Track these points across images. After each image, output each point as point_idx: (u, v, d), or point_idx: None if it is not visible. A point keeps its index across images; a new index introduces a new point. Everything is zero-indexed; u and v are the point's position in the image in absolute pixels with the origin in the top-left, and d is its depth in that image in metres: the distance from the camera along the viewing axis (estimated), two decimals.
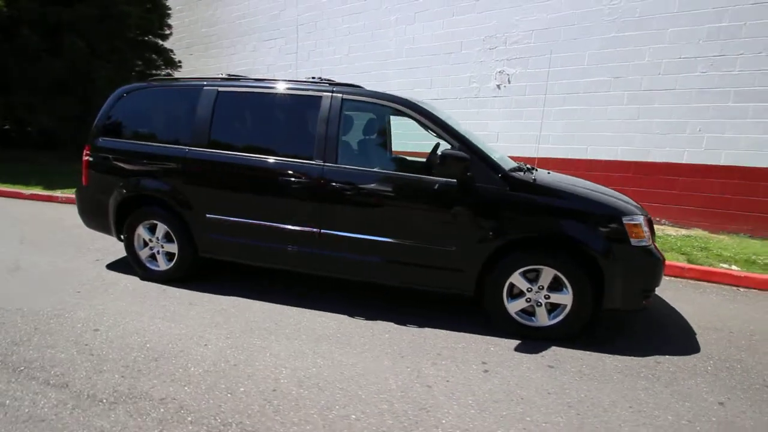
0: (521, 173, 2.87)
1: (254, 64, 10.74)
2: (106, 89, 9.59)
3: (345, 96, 3.03)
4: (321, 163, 2.98)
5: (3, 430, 1.84)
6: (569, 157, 6.49)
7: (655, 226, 3.70)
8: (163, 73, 11.04)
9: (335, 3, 8.92)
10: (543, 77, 6.63)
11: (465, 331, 2.92)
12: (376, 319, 3.05)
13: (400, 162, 3.76)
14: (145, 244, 3.55)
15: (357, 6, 8.63)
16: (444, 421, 2.01)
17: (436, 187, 2.80)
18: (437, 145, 4.05)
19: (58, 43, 8.18)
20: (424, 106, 3.02)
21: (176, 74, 11.29)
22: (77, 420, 1.92)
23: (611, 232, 2.65)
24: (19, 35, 8.15)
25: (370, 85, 3.43)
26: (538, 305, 2.80)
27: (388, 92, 3.08)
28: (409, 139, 5.97)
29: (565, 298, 2.74)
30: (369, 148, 3.52)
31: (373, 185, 2.93)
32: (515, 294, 2.85)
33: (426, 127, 2.95)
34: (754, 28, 5.15)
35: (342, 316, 3.09)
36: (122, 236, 3.61)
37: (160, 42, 10.48)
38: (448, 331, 2.91)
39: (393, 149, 4.70)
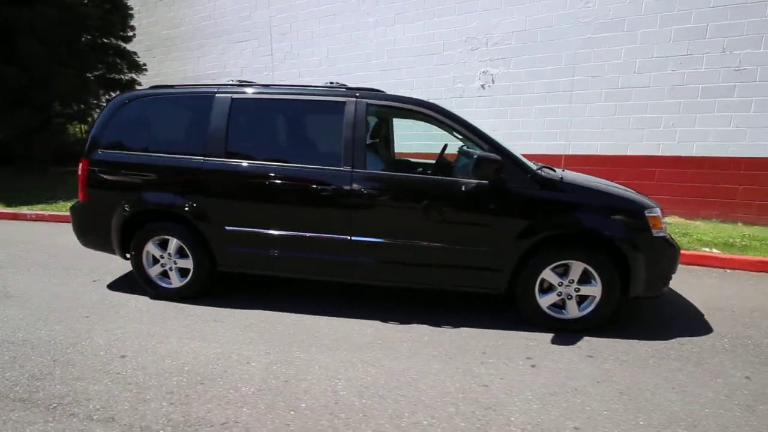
0: (548, 172, 2.97)
1: (225, 67, 10.39)
2: (66, 96, 8.98)
3: (370, 101, 3.00)
4: (349, 169, 2.95)
5: None
6: (552, 153, 6.76)
7: None
8: (126, 77, 10.44)
9: (310, 4, 8.80)
10: (525, 77, 6.88)
11: (498, 328, 2.99)
12: (409, 323, 3.06)
13: (411, 165, 3.79)
14: (155, 261, 3.36)
15: (333, 8, 8.55)
16: (513, 419, 2.06)
17: (469, 189, 2.85)
18: (445, 147, 4.12)
19: (12, 48, 7.50)
20: (450, 110, 3.05)
21: (141, 78, 10.71)
22: None
23: (635, 224, 2.81)
24: None
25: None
26: (569, 298, 2.91)
27: (411, 96, 3.09)
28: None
29: (594, 290, 2.87)
30: (387, 152, 3.52)
31: (404, 189, 2.93)
32: (545, 289, 2.95)
33: (453, 130, 2.99)
34: (716, 30, 5.61)
35: (374, 322, 3.07)
36: (128, 254, 3.40)
37: (123, 44, 9.87)
38: (482, 330, 2.97)
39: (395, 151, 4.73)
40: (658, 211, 2.92)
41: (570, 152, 6.71)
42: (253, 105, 3.16)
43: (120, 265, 4.10)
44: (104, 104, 11.02)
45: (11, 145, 8.77)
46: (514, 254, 2.85)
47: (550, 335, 2.90)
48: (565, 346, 2.77)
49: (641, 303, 3.41)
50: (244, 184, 3.09)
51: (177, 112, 3.29)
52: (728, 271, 4.37)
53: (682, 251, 4.71)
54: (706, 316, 3.26)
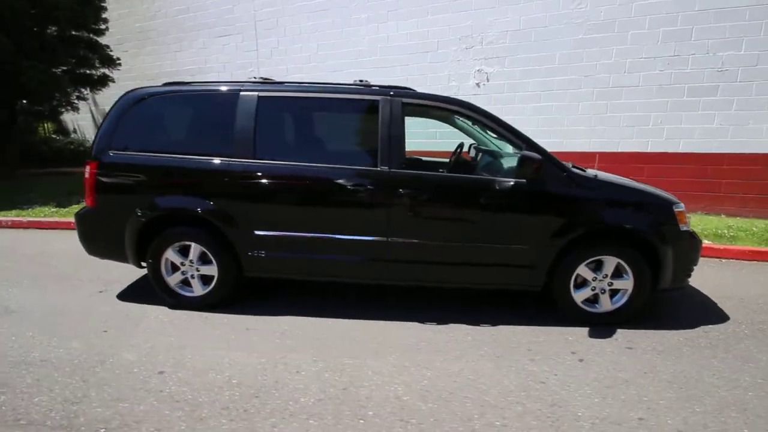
0: (583, 171, 3.03)
1: (206, 62, 9.98)
2: (36, 93, 8.31)
3: (405, 100, 2.96)
4: (387, 168, 2.89)
5: None
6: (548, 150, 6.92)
7: None
8: (98, 73, 9.81)
9: None
10: (519, 76, 7.01)
11: (534, 324, 3.03)
12: (447, 323, 3.05)
13: (427, 164, 3.76)
14: (175, 268, 3.18)
15: (322, 3, 8.38)
16: (580, 414, 2.09)
17: (508, 187, 2.86)
18: (461, 145, 4.13)
19: None
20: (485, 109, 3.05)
21: (115, 74, 10.11)
22: None
23: (665, 220, 2.92)
24: None
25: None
26: (602, 293, 2.99)
27: (445, 95, 3.06)
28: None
29: (626, 284, 2.96)
30: None
31: (442, 188, 2.91)
32: (578, 284, 3.02)
33: (489, 129, 3.00)
34: (701, 32, 5.91)
35: (412, 323, 3.04)
36: (144, 262, 3.20)
37: (95, 37, 9.26)
38: (520, 327, 3.00)
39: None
40: (683, 206, 3.04)
41: (563, 149, 6.89)
42: (281, 104, 3.04)
43: (124, 274, 3.86)
44: (74, 101, 10.41)
45: None
46: (552, 251, 2.90)
47: (586, 329, 2.97)
48: (604, 339, 2.84)
49: (668, 295, 3.53)
50: (275, 186, 2.97)
51: (198, 110, 3.11)
52: (723, 260, 4.63)
53: None
54: (719, 305, 3.44)
